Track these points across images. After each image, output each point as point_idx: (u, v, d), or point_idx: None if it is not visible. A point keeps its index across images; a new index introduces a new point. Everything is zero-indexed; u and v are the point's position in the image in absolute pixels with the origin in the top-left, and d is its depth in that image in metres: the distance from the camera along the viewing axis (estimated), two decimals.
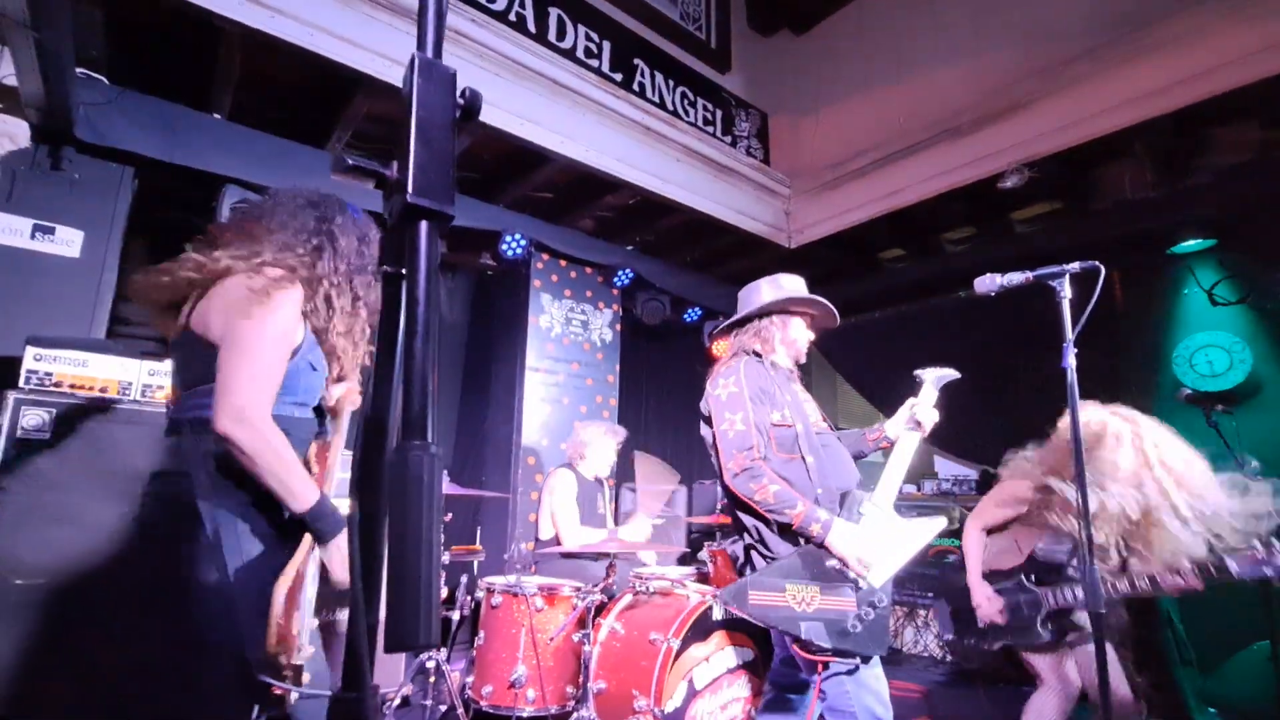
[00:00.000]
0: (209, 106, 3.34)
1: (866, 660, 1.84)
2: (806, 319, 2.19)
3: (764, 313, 2.16)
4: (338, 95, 3.35)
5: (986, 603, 2.31)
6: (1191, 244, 4.02)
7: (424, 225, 0.64)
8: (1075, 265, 1.72)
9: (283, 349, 1.32)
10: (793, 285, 2.18)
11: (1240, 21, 3.03)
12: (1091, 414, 2.18)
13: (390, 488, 0.58)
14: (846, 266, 5.36)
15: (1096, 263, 1.70)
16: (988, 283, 1.86)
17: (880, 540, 1.87)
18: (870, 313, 5.62)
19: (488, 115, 3.46)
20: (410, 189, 0.62)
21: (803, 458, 1.93)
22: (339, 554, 1.31)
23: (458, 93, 0.67)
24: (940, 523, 1.95)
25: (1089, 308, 1.68)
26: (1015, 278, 1.80)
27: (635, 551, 3.38)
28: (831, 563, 1.84)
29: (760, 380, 1.99)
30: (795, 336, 2.15)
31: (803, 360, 2.20)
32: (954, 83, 4.16)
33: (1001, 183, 3.81)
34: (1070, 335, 1.69)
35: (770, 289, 2.17)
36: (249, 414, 1.20)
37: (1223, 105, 3.14)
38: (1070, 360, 1.68)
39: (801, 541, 1.85)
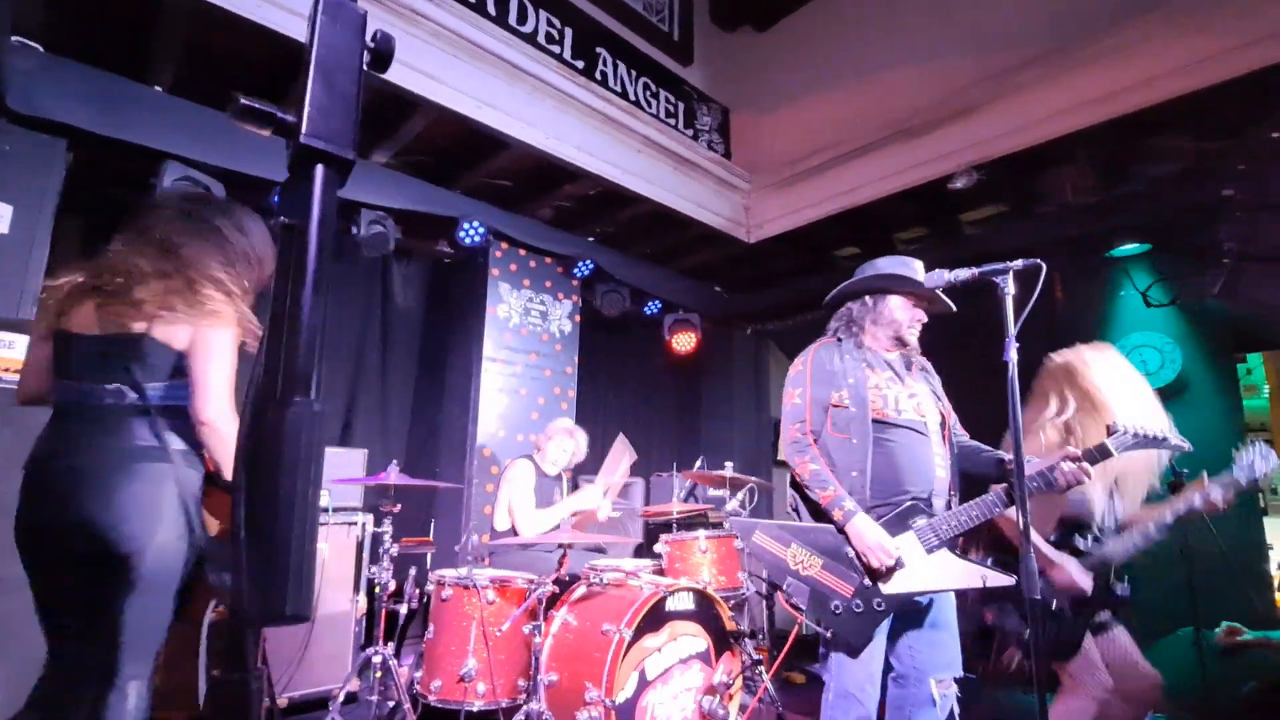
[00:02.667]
0: (149, 78, 3.17)
1: (841, 643, 1.87)
2: (910, 297, 2.11)
3: (852, 293, 2.17)
4: (286, 70, 3.22)
5: (1079, 573, 2.11)
6: (1128, 248, 4.20)
7: (320, 170, 0.60)
8: (1019, 263, 1.77)
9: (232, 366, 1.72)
10: (891, 265, 2.12)
11: (1175, 35, 3.16)
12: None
13: (267, 445, 0.55)
14: (804, 263, 5.43)
15: (1038, 260, 1.75)
16: (936, 278, 1.91)
17: (908, 558, 1.87)
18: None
19: (444, 97, 3.39)
20: (304, 129, 0.59)
21: (850, 439, 1.97)
22: None
23: (368, 36, 0.63)
24: (1001, 580, 1.82)
25: (1030, 304, 1.74)
26: (962, 273, 1.85)
27: (591, 542, 3.37)
28: (848, 550, 1.90)
29: (829, 362, 2.07)
30: (895, 316, 2.10)
31: (906, 340, 2.12)
32: (910, 84, 4.24)
33: (952, 184, 3.91)
34: (1012, 330, 1.74)
35: (865, 269, 2.15)
36: (226, 410, 1.63)
37: (1158, 115, 3.27)
38: (1012, 355, 1.73)
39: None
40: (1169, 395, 4.05)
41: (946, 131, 3.96)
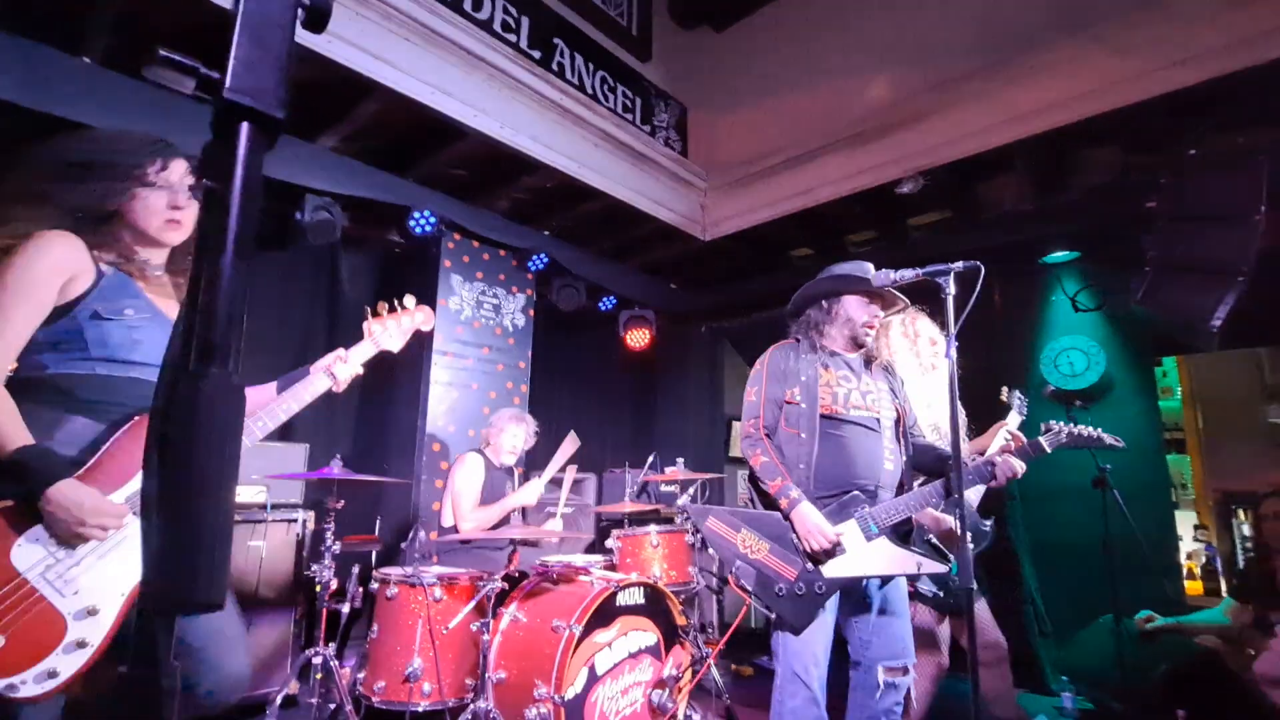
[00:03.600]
0: (80, 49, 2.98)
1: (785, 624, 1.96)
2: (863, 295, 2.20)
3: (809, 298, 2.27)
4: (224, 43, 3.07)
5: (945, 518, 2.38)
6: (1060, 255, 4.42)
7: (244, 128, 0.57)
8: (959, 264, 1.85)
9: (22, 303, 1.36)
10: (842, 269, 2.22)
11: (1105, 54, 3.33)
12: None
13: (179, 419, 0.51)
14: (759, 262, 5.50)
15: (977, 262, 1.82)
16: (882, 277, 1.98)
17: (850, 544, 1.97)
18: (780, 308, 5.80)
19: (396, 81, 3.29)
20: (228, 83, 0.56)
21: (800, 434, 2.08)
22: (51, 505, 1.32)
23: None
24: (936, 568, 1.95)
25: (969, 304, 1.82)
26: (906, 274, 1.93)
27: (538, 539, 3.35)
28: (793, 536, 2.01)
29: (784, 362, 2.19)
30: (852, 316, 2.19)
31: (863, 342, 2.22)
32: (862, 89, 4.34)
33: (899, 188, 4.02)
34: (953, 329, 1.81)
35: (819, 276, 2.27)
36: None
37: (1090, 129, 3.43)
38: (952, 352, 1.80)
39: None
40: (1094, 396, 4.28)
41: (895, 138, 4.07)
